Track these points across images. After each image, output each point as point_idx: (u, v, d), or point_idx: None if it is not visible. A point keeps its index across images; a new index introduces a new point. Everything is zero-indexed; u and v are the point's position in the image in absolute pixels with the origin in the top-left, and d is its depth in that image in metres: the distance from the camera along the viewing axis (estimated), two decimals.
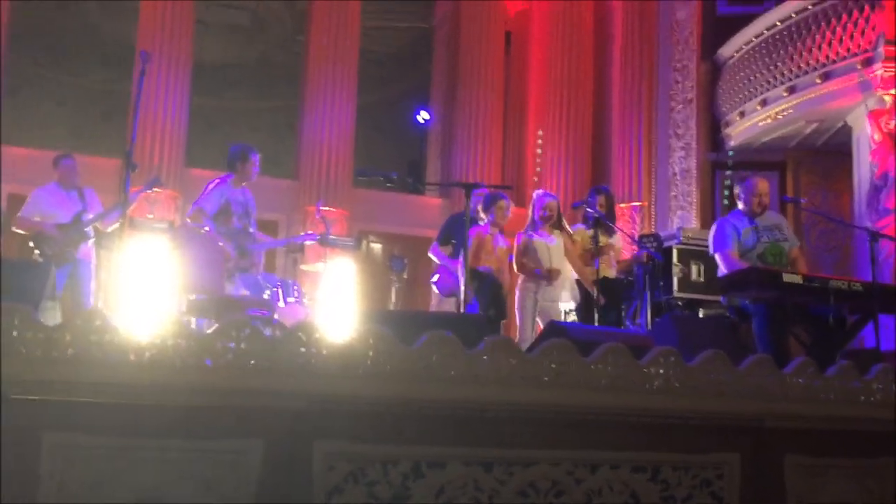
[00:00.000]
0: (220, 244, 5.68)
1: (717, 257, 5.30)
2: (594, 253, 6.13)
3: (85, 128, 17.44)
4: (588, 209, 6.45)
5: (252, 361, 2.39)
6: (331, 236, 8.10)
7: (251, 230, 6.08)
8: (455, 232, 6.27)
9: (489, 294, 6.02)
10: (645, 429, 2.79)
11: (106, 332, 2.28)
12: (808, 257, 5.61)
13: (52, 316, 5.05)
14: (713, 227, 5.47)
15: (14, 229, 6.43)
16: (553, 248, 6.20)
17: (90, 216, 6.33)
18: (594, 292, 6.09)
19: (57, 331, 2.26)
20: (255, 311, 6.74)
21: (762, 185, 5.41)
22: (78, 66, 17.47)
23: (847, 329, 5.07)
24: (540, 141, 12.63)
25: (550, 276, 6.03)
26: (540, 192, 6.71)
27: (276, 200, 12.11)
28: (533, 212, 6.28)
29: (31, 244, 6.22)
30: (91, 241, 6.35)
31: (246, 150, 6.12)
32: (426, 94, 15.09)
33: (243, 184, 6.06)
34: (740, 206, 5.41)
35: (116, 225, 6.22)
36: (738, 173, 10.20)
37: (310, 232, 6.17)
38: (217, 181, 5.94)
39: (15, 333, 2.21)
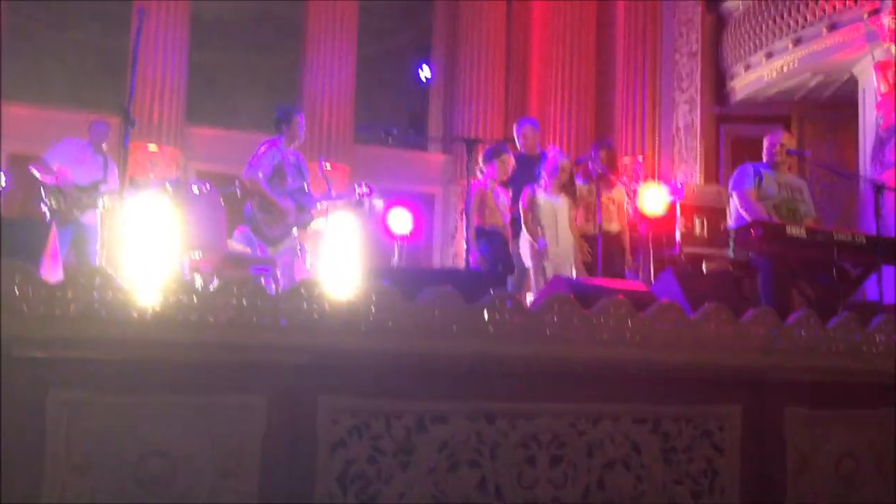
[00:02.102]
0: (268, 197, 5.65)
1: (734, 196, 5.30)
2: (596, 208, 6.12)
3: (84, 84, 17.28)
4: (590, 164, 6.43)
5: (255, 317, 2.40)
6: (333, 193, 8.08)
7: (306, 188, 6.09)
8: None
9: (497, 252, 6.03)
10: (646, 381, 2.80)
11: (109, 290, 2.29)
12: (819, 221, 5.60)
13: (55, 274, 5.05)
14: (736, 170, 5.51)
15: (31, 168, 6.36)
16: (559, 209, 6.19)
17: (106, 188, 6.29)
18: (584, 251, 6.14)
19: (59, 288, 2.26)
20: (257, 269, 6.76)
21: (787, 137, 5.50)
22: (75, 21, 17.25)
23: (850, 282, 5.07)
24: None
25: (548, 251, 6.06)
26: (554, 150, 6.68)
27: None
28: (545, 170, 6.24)
29: (42, 192, 6.17)
30: (99, 210, 6.32)
31: (290, 112, 6.16)
32: (427, 45, 14.91)
33: (293, 144, 6.03)
34: (764, 157, 5.44)
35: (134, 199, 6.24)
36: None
37: (359, 188, 6.16)
38: (267, 143, 5.94)
39: (17, 291, 2.21)
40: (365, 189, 6.12)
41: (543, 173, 6.23)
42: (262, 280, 2.68)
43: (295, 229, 6.06)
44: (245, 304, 2.40)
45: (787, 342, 2.98)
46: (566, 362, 2.70)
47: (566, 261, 6.19)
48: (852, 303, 5.09)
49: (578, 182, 6.62)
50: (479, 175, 6.27)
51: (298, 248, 6.07)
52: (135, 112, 5.44)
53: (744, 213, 5.15)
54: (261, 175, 5.82)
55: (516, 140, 6.87)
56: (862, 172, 8.62)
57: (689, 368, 2.84)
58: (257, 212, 5.77)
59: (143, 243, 5.77)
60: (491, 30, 12.64)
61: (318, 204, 6.16)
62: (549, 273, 6.05)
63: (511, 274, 6.14)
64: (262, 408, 2.40)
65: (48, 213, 6.13)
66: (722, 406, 2.89)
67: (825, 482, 3.01)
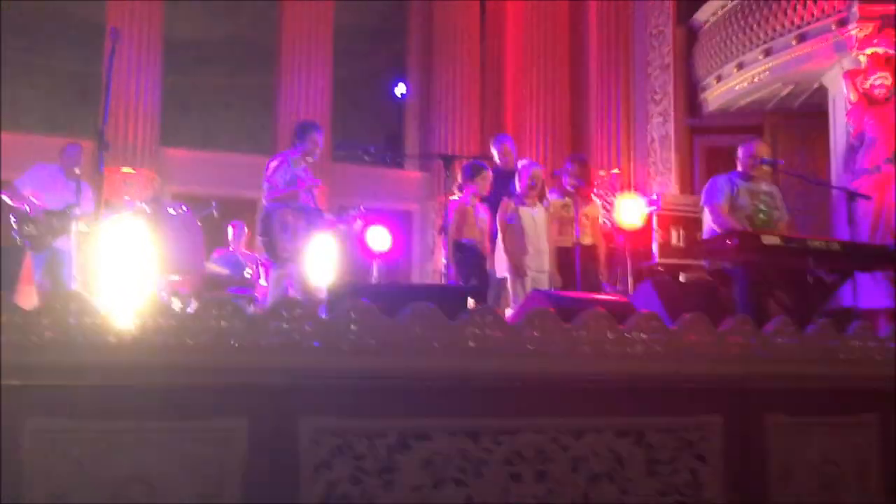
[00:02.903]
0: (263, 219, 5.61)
1: (706, 210, 5.34)
2: (571, 221, 6.15)
3: (59, 110, 17.19)
4: (564, 178, 6.47)
5: (233, 340, 2.38)
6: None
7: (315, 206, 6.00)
8: None
9: (472, 265, 6.04)
10: (628, 393, 2.81)
11: (85, 314, 2.26)
12: (792, 226, 5.63)
13: (29, 300, 5.01)
14: (708, 182, 5.53)
15: (1, 195, 6.31)
16: (538, 219, 6.22)
17: (80, 211, 6.23)
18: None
19: (34, 314, 2.23)
20: (236, 290, 6.72)
21: (761, 147, 5.50)
22: (50, 48, 17.18)
23: (826, 288, 5.12)
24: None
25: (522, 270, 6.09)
26: (525, 161, 6.71)
27: (254, 177, 11.97)
28: (519, 181, 6.27)
29: (12, 219, 6.11)
30: (73, 234, 6.26)
31: (306, 127, 6.03)
32: (402, 66, 14.98)
33: (306, 161, 5.93)
34: (738, 167, 5.46)
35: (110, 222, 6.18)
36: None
37: (354, 210, 6.09)
38: (279, 158, 5.83)
39: None
40: (360, 223, 6.11)
41: (518, 185, 6.26)
42: (242, 301, 2.67)
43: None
44: (224, 325, 2.38)
45: (766, 350, 3.00)
46: (548, 376, 2.70)
47: (544, 273, 6.21)
48: (828, 309, 5.14)
49: (553, 196, 6.66)
50: (456, 192, 6.29)
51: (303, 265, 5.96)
52: (109, 135, 5.42)
53: (715, 227, 5.20)
54: (277, 189, 5.72)
55: (495, 156, 6.91)
56: (834, 180, 8.73)
57: (670, 379, 2.85)
58: (275, 231, 5.65)
59: (120, 266, 5.73)
60: (465, 49, 12.73)
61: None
62: (528, 285, 6.07)
63: (486, 288, 6.16)
64: (243, 430, 2.37)
65: (20, 240, 6.07)
66: (703, 416, 2.90)
67: (809, 489, 3.02)
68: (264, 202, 5.77)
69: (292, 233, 5.65)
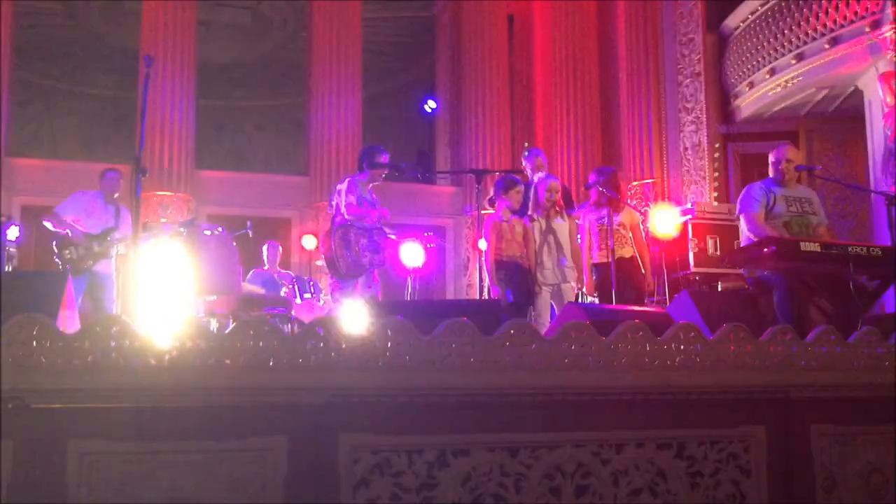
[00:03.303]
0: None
1: (742, 218, 5.25)
2: (609, 233, 6.08)
3: (97, 137, 17.55)
4: (594, 191, 6.41)
5: (271, 359, 2.40)
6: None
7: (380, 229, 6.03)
8: None
9: (516, 282, 6.01)
10: (668, 405, 2.77)
11: (125, 337, 2.29)
12: (832, 231, 5.51)
13: (72, 325, 5.08)
14: (743, 191, 5.44)
15: (43, 222, 6.44)
16: (558, 230, 6.18)
17: (119, 235, 6.33)
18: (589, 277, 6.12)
19: (76, 338, 2.27)
20: (272, 309, 6.77)
21: (790, 151, 5.37)
22: (87, 76, 17.56)
23: (868, 295, 5.02)
24: (527, 144, 12.69)
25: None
26: (542, 174, 6.67)
27: (288, 197, 12.16)
28: (538, 194, 6.24)
29: (54, 244, 6.23)
30: (113, 258, 6.35)
31: (374, 150, 6.06)
32: (431, 82, 15.05)
33: (374, 183, 5.98)
34: (771, 173, 5.37)
35: (148, 245, 6.26)
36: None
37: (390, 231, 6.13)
38: (347, 182, 5.88)
39: (34, 343, 2.22)
40: (393, 235, 6.13)
41: (535, 198, 6.22)
42: (278, 321, 2.69)
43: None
44: (261, 345, 2.39)
45: (809, 359, 2.94)
46: (586, 390, 2.68)
47: (569, 282, 6.15)
48: (871, 316, 5.04)
49: (591, 210, 6.60)
50: (488, 206, 6.27)
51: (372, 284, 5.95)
52: (145, 160, 5.50)
53: (752, 236, 5.12)
54: (349, 209, 5.76)
55: (527, 170, 6.89)
56: (873, 184, 8.58)
57: (711, 390, 2.81)
58: (338, 247, 5.68)
59: (159, 288, 5.80)
60: (493, 63, 12.75)
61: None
62: (546, 295, 6.02)
63: (532, 303, 6.11)
64: (283, 450, 2.38)
65: (62, 265, 6.17)
66: (746, 427, 2.86)
67: (855, 499, 2.95)
68: (333, 223, 5.80)
69: (356, 251, 5.69)
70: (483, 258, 5.76)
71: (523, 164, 7.09)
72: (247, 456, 2.37)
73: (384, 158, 6.00)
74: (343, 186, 5.86)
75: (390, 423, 2.51)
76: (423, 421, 2.54)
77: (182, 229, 6.79)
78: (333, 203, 5.90)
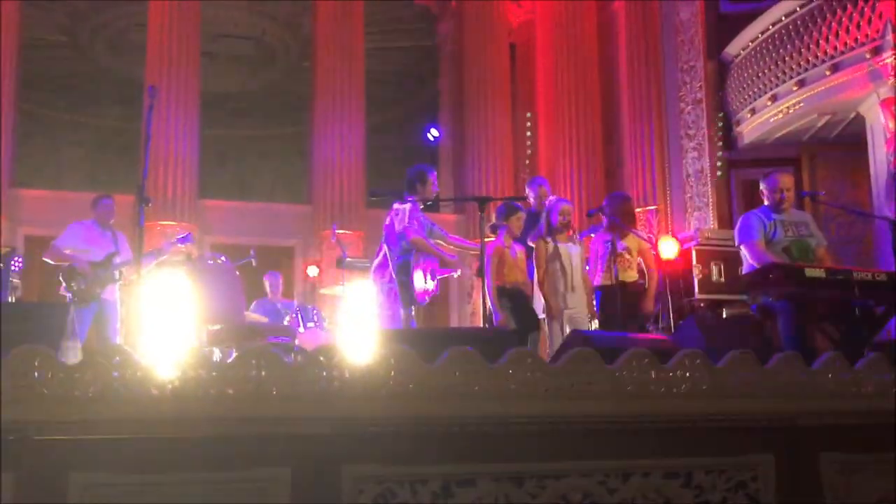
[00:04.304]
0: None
1: (743, 248, 5.22)
2: (613, 258, 6.07)
3: (102, 167, 17.63)
4: (604, 215, 6.40)
5: (274, 389, 2.38)
6: (348, 258, 8.10)
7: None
8: None
9: (520, 308, 5.99)
10: (675, 434, 2.75)
11: (127, 368, 2.28)
12: (832, 252, 5.46)
13: (73, 356, 5.04)
14: (739, 220, 5.41)
15: (45, 258, 6.44)
16: (573, 255, 6.17)
17: (120, 259, 6.34)
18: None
19: (78, 370, 2.26)
20: (275, 338, 6.75)
21: (785, 178, 5.33)
22: (92, 107, 17.69)
23: (874, 320, 4.99)
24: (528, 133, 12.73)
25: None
26: (553, 198, 6.67)
27: (292, 226, 12.18)
28: (550, 218, 6.23)
29: (60, 277, 6.23)
30: (118, 283, 6.35)
31: (424, 171, 5.91)
32: (434, 111, 15.14)
33: (423, 204, 5.84)
34: (765, 201, 5.35)
35: (150, 268, 6.24)
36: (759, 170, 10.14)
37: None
38: (409, 204, 5.67)
39: (36, 375, 2.21)
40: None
41: (548, 221, 6.21)
42: (281, 350, 2.67)
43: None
44: (264, 375, 2.38)
45: (816, 386, 2.92)
46: (592, 418, 2.66)
47: (582, 309, 6.13)
48: (878, 342, 5.00)
49: (594, 234, 6.60)
50: (490, 233, 6.26)
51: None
52: (149, 189, 5.52)
53: (755, 264, 5.09)
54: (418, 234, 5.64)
55: (530, 198, 6.88)
56: (877, 210, 8.58)
57: (718, 418, 2.79)
58: (411, 274, 5.56)
59: (162, 318, 5.79)
60: (496, 92, 12.81)
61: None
62: (566, 325, 5.99)
63: (537, 329, 6.08)
64: (286, 481, 2.36)
65: (70, 296, 6.17)
66: (754, 455, 2.82)
67: None
68: (394, 248, 5.63)
69: (425, 276, 5.60)
70: (485, 285, 5.71)
71: (526, 192, 7.10)
72: (250, 487, 2.34)
73: (433, 178, 5.87)
74: (406, 208, 5.60)
75: (394, 452, 2.48)
76: (427, 450, 2.52)
77: (181, 245, 6.78)
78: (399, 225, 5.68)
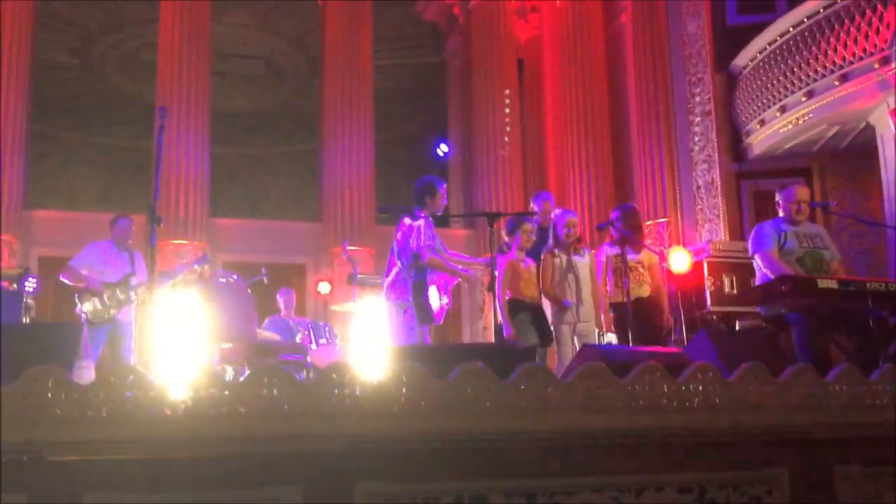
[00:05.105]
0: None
1: (757, 257, 5.21)
2: (623, 272, 6.04)
3: (114, 187, 17.76)
4: (613, 228, 6.38)
5: (286, 406, 2.38)
6: (359, 275, 8.11)
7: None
8: None
9: (538, 323, 5.96)
10: (688, 448, 2.73)
11: (140, 388, 2.29)
12: (845, 265, 5.42)
13: (87, 376, 5.06)
14: (753, 230, 5.40)
15: (60, 278, 6.47)
16: (580, 266, 6.15)
17: (136, 280, 6.35)
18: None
19: (91, 390, 2.27)
20: (288, 356, 6.75)
21: (801, 191, 5.34)
22: (104, 128, 17.85)
23: (888, 331, 4.96)
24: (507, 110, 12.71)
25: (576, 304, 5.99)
26: (558, 211, 6.65)
27: (302, 243, 12.22)
28: (556, 231, 6.22)
29: (76, 298, 6.26)
30: (133, 304, 6.37)
31: (434, 184, 5.76)
32: (443, 127, 15.18)
33: (434, 218, 5.68)
34: (780, 213, 5.34)
35: (165, 289, 6.26)
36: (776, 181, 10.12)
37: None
38: (422, 222, 5.52)
39: (50, 395, 2.22)
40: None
41: (555, 234, 6.20)
42: (293, 367, 2.68)
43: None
44: (276, 393, 2.39)
45: (829, 399, 2.90)
46: (604, 433, 2.65)
47: (591, 322, 6.10)
48: (892, 353, 4.97)
49: (608, 248, 6.58)
50: (504, 249, 6.25)
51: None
52: (161, 209, 5.53)
53: (768, 273, 5.08)
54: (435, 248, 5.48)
55: (535, 211, 6.87)
56: (888, 219, 8.53)
57: (731, 432, 2.77)
58: (426, 292, 5.50)
59: (175, 337, 5.80)
60: (504, 106, 12.83)
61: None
62: (573, 337, 5.95)
63: (551, 343, 6.04)
64: (298, 499, 2.36)
65: (85, 317, 6.19)
66: (768, 469, 2.81)
67: None
68: (407, 264, 5.55)
69: (439, 294, 5.56)
70: (497, 296, 5.67)
71: (532, 207, 7.09)
72: None
73: (442, 190, 5.77)
74: (419, 224, 5.49)
75: (406, 470, 2.48)
76: (439, 467, 2.51)
77: (196, 267, 6.80)
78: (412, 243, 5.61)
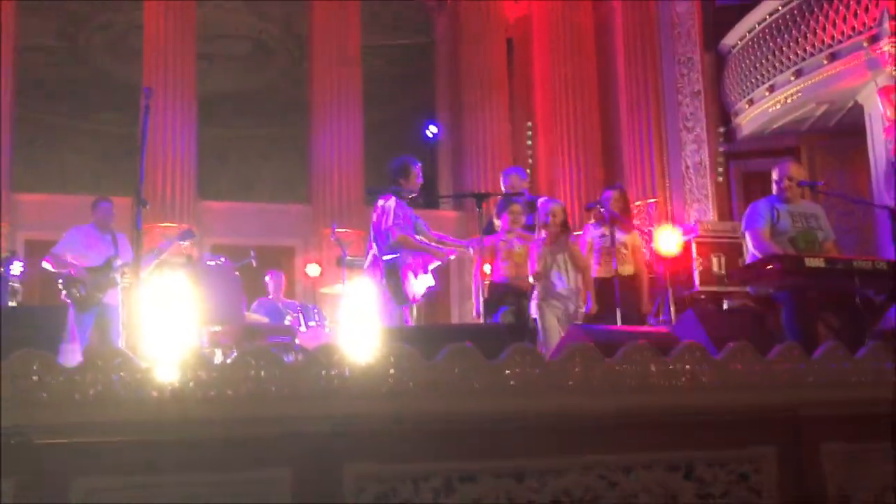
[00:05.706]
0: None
1: (747, 236, 5.21)
2: (610, 252, 6.05)
3: (103, 171, 17.64)
4: (601, 208, 6.38)
5: (274, 388, 2.38)
6: (348, 257, 8.09)
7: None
8: None
9: (501, 303, 5.94)
10: (676, 427, 2.74)
11: (127, 370, 2.28)
12: (838, 246, 5.43)
13: (74, 359, 5.03)
14: (748, 208, 5.41)
15: (43, 265, 6.42)
16: (559, 254, 6.13)
17: (121, 262, 6.31)
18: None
19: (78, 372, 2.26)
20: (276, 338, 6.75)
21: (793, 168, 5.34)
22: (92, 112, 17.69)
23: (875, 309, 4.99)
24: (529, 133, 12.71)
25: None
26: (543, 198, 6.64)
27: (291, 225, 12.18)
28: (539, 218, 6.20)
29: (60, 284, 6.21)
30: (119, 286, 6.33)
31: (408, 163, 5.72)
32: (432, 108, 15.11)
33: (408, 197, 5.65)
34: (775, 190, 5.34)
35: (150, 268, 6.21)
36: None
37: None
38: (392, 200, 5.50)
39: (36, 378, 2.21)
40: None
41: (538, 221, 6.16)
42: (281, 349, 2.67)
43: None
44: (263, 375, 2.38)
45: (817, 376, 2.92)
46: (592, 413, 2.65)
47: (570, 306, 6.07)
48: (879, 330, 5.00)
49: (592, 228, 6.58)
50: (492, 230, 6.24)
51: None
52: (147, 192, 5.50)
53: (757, 253, 5.09)
54: (405, 230, 5.45)
55: (503, 189, 6.75)
56: (876, 198, 8.57)
57: (719, 410, 2.78)
58: (401, 274, 5.47)
59: (162, 319, 5.79)
60: (493, 87, 12.80)
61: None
62: (553, 318, 5.92)
63: (526, 326, 6.03)
64: (287, 481, 2.36)
65: (71, 302, 6.15)
66: (755, 447, 2.82)
67: None
68: (382, 246, 5.50)
69: (415, 274, 5.51)
70: (475, 277, 5.64)
71: (501, 184, 6.94)
72: (251, 488, 2.34)
73: (417, 170, 5.69)
74: (390, 204, 5.49)
75: (395, 450, 2.48)
76: (428, 448, 2.52)
77: (181, 243, 6.74)
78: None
